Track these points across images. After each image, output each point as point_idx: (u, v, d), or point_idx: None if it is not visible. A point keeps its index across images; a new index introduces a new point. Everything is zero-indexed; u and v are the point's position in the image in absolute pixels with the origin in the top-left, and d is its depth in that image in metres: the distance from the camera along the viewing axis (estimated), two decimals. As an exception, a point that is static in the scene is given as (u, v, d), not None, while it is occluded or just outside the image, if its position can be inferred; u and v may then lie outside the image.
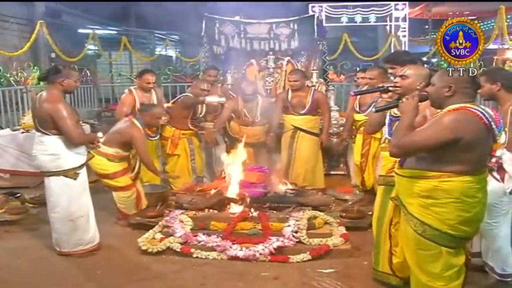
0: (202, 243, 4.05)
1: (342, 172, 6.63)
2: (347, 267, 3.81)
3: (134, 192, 4.80)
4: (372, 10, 15.99)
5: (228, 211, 4.44)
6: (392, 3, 15.86)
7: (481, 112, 2.52)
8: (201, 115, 5.81)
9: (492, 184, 3.14)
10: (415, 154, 2.70)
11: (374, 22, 16.28)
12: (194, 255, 3.97)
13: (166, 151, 5.59)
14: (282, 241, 3.96)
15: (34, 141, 4.03)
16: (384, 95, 3.39)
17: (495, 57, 11.53)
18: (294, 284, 3.57)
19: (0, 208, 5.04)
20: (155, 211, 4.76)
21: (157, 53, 16.22)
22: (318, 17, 7.06)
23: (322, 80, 6.80)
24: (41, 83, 10.20)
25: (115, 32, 17.21)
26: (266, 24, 6.63)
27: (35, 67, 11.01)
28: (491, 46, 11.04)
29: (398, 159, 2.87)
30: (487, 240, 3.39)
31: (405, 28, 15.95)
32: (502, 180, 3.24)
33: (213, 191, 4.71)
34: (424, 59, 12.73)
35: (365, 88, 5.09)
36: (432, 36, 16.92)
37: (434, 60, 15.40)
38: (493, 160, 3.16)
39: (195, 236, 4.11)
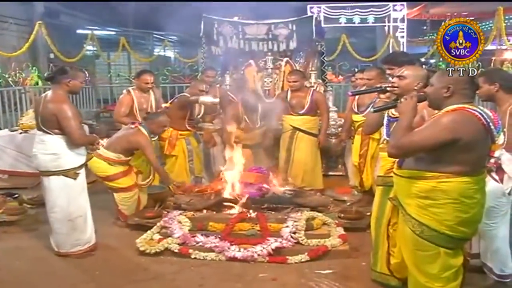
0: (200, 244, 4.04)
1: (341, 173, 6.63)
2: (345, 268, 3.81)
3: (136, 193, 4.82)
4: (371, 11, 16.00)
5: (226, 212, 4.44)
6: (391, 4, 15.86)
7: (480, 113, 2.53)
8: (198, 116, 5.80)
9: (491, 185, 3.14)
10: (414, 155, 2.70)
11: (373, 23, 16.28)
12: (192, 256, 3.97)
13: (164, 152, 5.59)
14: (280, 242, 3.96)
15: (35, 140, 4.04)
16: (382, 96, 3.39)
17: (493, 58, 11.52)
18: (292, 285, 3.57)
19: (-2, 208, 5.04)
20: (153, 211, 4.76)
21: (156, 54, 16.20)
22: (316, 18, 7.04)
23: (320, 81, 6.80)
24: (40, 83, 10.23)
25: (113, 32, 17.21)
26: (265, 25, 6.63)
27: (34, 68, 10.99)
28: (489, 47, 11.03)
29: (397, 160, 2.87)
30: (486, 241, 3.39)
31: (403, 29, 15.95)
32: (501, 181, 3.24)
33: (211, 192, 4.71)
34: (422, 60, 12.73)
35: (363, 88, 5.09)
36: (430, 37, 16.95)
37: (432, 61, 15.41)
38: (492, 161, 3.17)
39: (193, 237, 4.10)
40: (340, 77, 12.20)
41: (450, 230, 2.60)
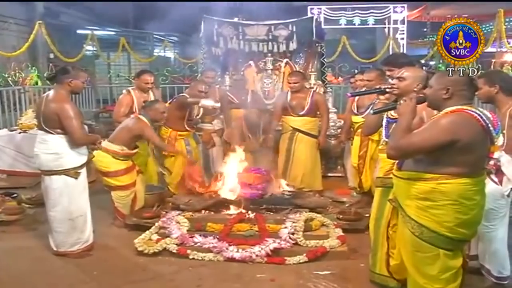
0: (199, 244, 4.04)
1: (340, 174, 6.64)
2: (344, 269, 3.81)
3: (133, 192, 4.81)
4: (371, 12, 16.02)
5: (225, 213, 4.44)
6: (391, 6, 15.89)
7: (479, 114, 2.53)
8: (197, 117, 5.79)
9: (490, 186, 3.14)
10: (413, 156, 2.70)
11: (373, 24, 16.31)
12: (191, 257, 3.97)
13: (163, 152, 5.58)
14: (278, 242, 3.95)
15: (37, 140, 4.05)
16: (382, 97, 3.39)
17: (493, 60, 11.54)
18: (290, 286, 3.57)
19: (-3, 208, 5.03)
20: (151, 212, 4.75)
21: (156, 54, 16.18)
22: (316, 19, 7.02)
23: (320, 82, 6.80)
24: (39, 83, 10.22)
25: (113, 33, 17.19)
26: (265, 26, 6.62)
27: (33, 68, 10.98)
28: (489, 49, 11.04)
29: (397, 162, 2.87)
30: (484, 242, 3.39)
31: (403, 30, 15.99)
32: (500, 182, 3.24)
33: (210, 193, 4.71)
34: (422, 61, 12.71)
35: (363, 90, 5.09)
36: (430, 38, 16.94)
37: (432, 62, 15.41)
38: (491, 162, 3.16)
39: (192, 237, 4.10)
40: (340, 78, 12.19)
41: (449, 231, 2.60)
